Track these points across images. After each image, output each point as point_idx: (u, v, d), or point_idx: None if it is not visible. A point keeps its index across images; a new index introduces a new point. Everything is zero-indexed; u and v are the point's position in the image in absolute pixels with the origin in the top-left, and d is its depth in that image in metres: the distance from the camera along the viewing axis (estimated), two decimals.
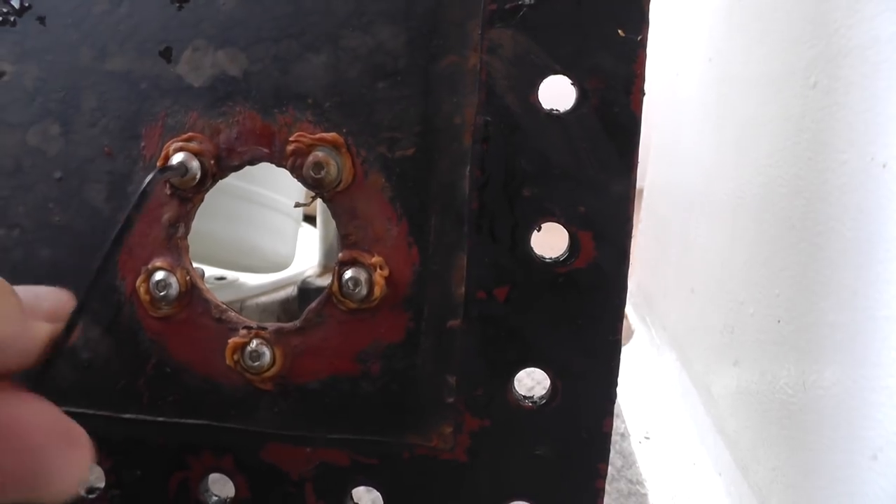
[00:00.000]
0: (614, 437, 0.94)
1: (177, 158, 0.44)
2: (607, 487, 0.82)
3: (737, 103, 0.86)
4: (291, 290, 1.25)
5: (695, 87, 1.09)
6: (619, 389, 1.08)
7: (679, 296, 1.10)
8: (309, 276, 1.25)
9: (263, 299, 1.21)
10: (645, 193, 1.43)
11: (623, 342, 1.26)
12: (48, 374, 0.34)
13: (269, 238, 1.02)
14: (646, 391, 1.10)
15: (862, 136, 0.53)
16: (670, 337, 1.14)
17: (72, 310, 0.36)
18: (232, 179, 0.91)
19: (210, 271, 1.17)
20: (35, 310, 0.34)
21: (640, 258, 1.42)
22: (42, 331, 0.34)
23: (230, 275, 1.20)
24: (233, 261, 1.03)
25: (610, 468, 0.85)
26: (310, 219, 1.44)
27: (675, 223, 1.17)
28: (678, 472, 0.87)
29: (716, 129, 0.94)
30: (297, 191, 0.92)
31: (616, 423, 0.98)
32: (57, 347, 0.35)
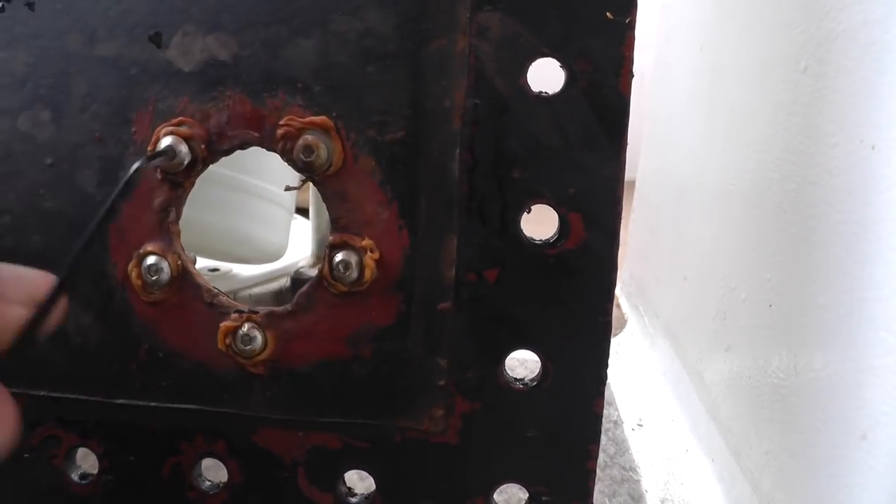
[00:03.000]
0: (607, 425, 0.95)
1: (165, 142, 0.44)
2: (600, 474, 0.83)
3: (729, 90, 0.86)
4: (285, 282, 1.25)
5: (687, 76, 1.09)
6: (612, 378, 1.09)
7: (672, 284, 1.11)
8: (302, 267, 1.25)
9: (257, 290, 1.21)
10: (637, 183, 1.43)
11: (616, 331, 1.26)
12: (21, 357, 0.32)
13: (261, 228, 1.01)
14: (639, 379, 1.10)
15: (851, 119, 0.53)
16: (663, 325, 1.14)
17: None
18: (224, 169, 0.91)
19: (203, 262, 1.17)
20: (11, 293, 0.33)
21: (634, 247, 1.42)
22: (13, 314, 0.33)
23: (224, 266, 1.20)
24: (225, 251, 1.03)
25: (603, 455, 0.86)
26: (303, 210, 1.43)
27: (668, 211, 1.17)
28: (671, 459, 0.87)
29: (708, 117, 0.95)
30: (290, 180, 0.92)
31: (609, 410, 0.99)
32: (29, 332, 0.33)
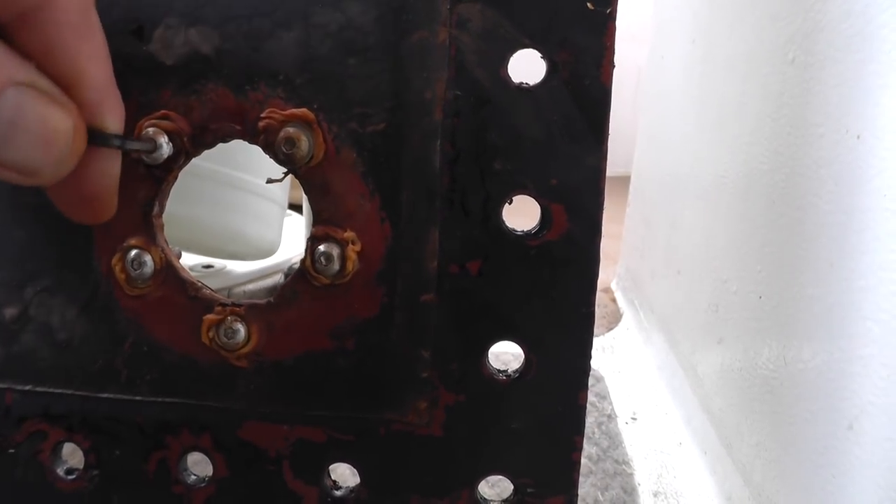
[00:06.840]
0: (601, 419, 0.95)
1: (146, 135, 0.44)
2: (593, 468, 0.83)
3: (719, 83, 0.86)
4: (278, 278, 1.25)
5: (679, 70, 1.09)
6: (607, 372, 1.08)
7: (666, 278, 1.11)
8: (295, 263, 1.25)
9: (251, 287, 1.21)
10: (632, 178, 1.43)
11: (611, 326, 1.26)
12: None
13: (254, 224, 1.02)
14: (634, 373, 1.10)
15: (837, 109, 0.53)
16: (658, 319, 1.14)
17: None
18: (216, 165, 0.91)
19: (197, 259, 1.17)
20: None
21: (629, 242, 1.42)
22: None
23: (217, 263, 1.20)
24: (218, 247, 1.03)
25: (596, 449, 0.86)
26: (296, 207, 1.44)
27: (663, 205, 1.17)
28: (664, 452, 0.87)
29: (700, 110, 0.95)
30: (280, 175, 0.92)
31: (603, 404, 0.99)
32: None
